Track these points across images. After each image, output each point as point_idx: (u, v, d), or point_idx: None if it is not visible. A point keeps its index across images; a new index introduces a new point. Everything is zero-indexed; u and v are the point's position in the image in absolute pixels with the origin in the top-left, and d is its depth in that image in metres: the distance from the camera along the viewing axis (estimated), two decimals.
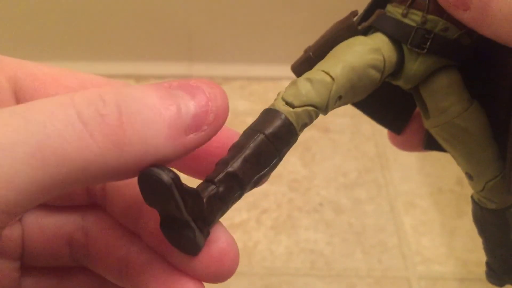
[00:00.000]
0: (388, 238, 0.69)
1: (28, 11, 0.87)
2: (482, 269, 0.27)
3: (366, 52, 0.19)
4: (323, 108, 0.19)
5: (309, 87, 0.18)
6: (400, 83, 0.21)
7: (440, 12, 0.19)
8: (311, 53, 0.21)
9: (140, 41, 0.91)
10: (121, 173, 0.14)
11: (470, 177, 0.23)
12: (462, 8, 0.17)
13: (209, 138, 0.16)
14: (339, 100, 0.19)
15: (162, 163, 0.15)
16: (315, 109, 0.18)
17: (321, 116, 0.19)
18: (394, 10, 0.20)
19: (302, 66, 0.21)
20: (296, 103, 0.18)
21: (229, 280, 0.18)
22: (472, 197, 0.25)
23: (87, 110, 0.14)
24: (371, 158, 0.78)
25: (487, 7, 0.16)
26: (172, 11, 0.88)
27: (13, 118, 0.13)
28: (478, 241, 0.26)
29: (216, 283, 0.17)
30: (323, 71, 0.19)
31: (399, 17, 0.20)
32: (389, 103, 0.23)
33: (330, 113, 0.20)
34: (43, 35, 0.89)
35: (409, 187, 0.75)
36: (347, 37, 0.20)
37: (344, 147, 0.80)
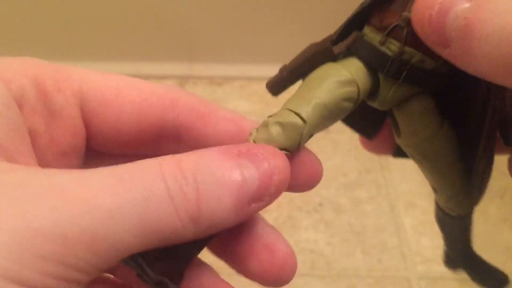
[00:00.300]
0: (388, 238, 0.69)
1: (28, 12, 0.87)
2: None
3: (339, 85, 0.19)
4: (295, 148, 0.19)
5: (279, 131, 0.18)
6: (375, 105, 0.21)
7: (418, 44, 0.18)
8: (286, 73, 0.21)
9: (140, 41, 0.91)
10: (189, 240, 0.16)
11: (435, 190, 0.25)
12: (442, 45, 0.17)
13: (269, 204, 0.17)
14: (311, 136, 0.20)
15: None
16: (286, 151, 0.18)
17: None
18: (371, 36, 0.20)
19: (276, 85, 0.22)
20: None
21: (229, 280, 0.19)
22: (436, 201, 0.26)
23: (173, 186, 0.15)
24: (371, 158, 0.78)
25: (468, 44, 0.16)
26: (172, 11, 0.88)
27: (120, 181, 0.15)
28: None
29: None
30: (294, 112, 0.19)
31: (376, 43, 0.19)
32: (362, 111, 0.22)
33: None
34: (43, 36, 0.89)
35: (409, 187, 0.75)
36: (322, 61, 0.20)
37: (344, 147, 0.80)
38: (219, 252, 0.20)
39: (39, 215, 0.13)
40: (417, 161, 0.23)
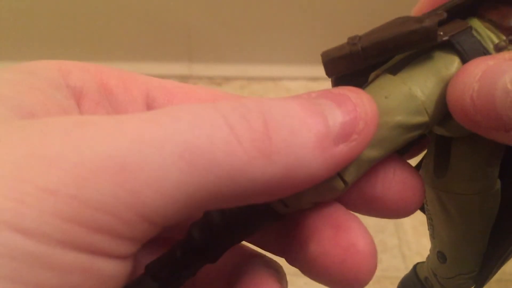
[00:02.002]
0: (388, 238, 0.69)
1: (27, 12, 0.87)
2: None
3: (404, 131, 0.15)
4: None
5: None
6: (441, 129, 0.16)
7: None
8: (360, 47, 0.15)
9: (140, 41, 0.91)
10: (267, 187, 0.13)
11: (443, 258, 0.20)
12: (502, 129, 0.13)
13: (361, 149, 0.14)
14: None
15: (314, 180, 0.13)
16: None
17: None
18: (485, 34, 0.15)
19: (341, 61, 0.16)
20: None
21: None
22: (415, 268, 0.22)
23: (233, 114, 0.12)
24: None
25: None
26: (172, 11, 0.88)
27: (159, 115, 0.12)
28: None
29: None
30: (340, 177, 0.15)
31: (489, 46, 0.15)
32: None
33: None
34: (44, 36, 0.89)
35: None
36: (419, 44, 0.15)
37: None
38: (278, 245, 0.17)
39: (51, 146, 0.11)
40: (445, 213, 0.18)
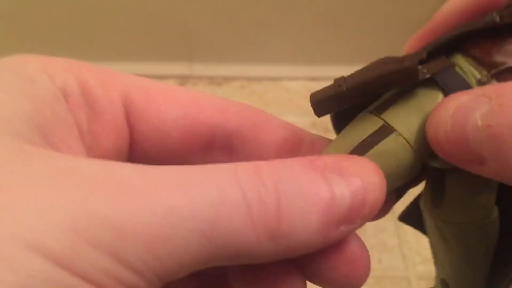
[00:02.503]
0: (388, 238, 0.69)
1: (27, 11, 0.87)
2: None
3: (396, 178, 0.15)
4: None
5: None
6: (433, 162, 0.16)
7: None
8: (345, 88, 0.16)
9: (140, 41, 0.91)
10: (264, 260, 0.14)
11: (446, 285, 0.20)
12: (476, 162, 0.14)
13: (356, 229, 0.15)
14: None
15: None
16: None
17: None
18: (468, 70, 0.15)
19: (327, 102, 0.16)
20: None
21: None
22: None
23: (251, 194, 0.13)
24: None
25: (504, 157, 0.13)
26: (172, 11, 0.88)
27: (189, 180, 0.13)
28: None
29: None
30: None
31: (472, 82, 0.15)
32: None
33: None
34: (44, 35, 0.89)
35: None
36: (400, 83, 0.15)
37: None
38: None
39: (95, 202, 0.12)
40: (443, 241, 0.19)
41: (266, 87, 0.91)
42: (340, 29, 0.84)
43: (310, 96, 0.17)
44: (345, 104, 0.16)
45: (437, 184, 0.17)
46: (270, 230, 0.13)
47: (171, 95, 0.18)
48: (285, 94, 0.89)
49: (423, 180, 0.18)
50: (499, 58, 0.15)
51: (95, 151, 0.17)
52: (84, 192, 0.12)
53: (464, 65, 0.15)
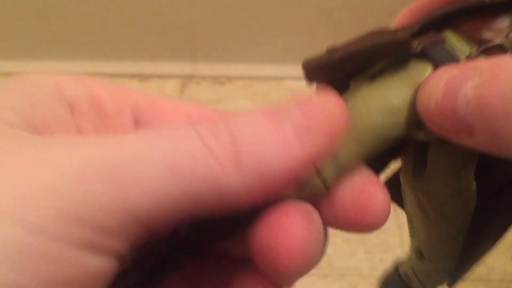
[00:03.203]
0: (390, 238, 0.69)
1: (31, 11, 0.88)
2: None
3: (383, 128, 0.16)
4: (323, 192, 0.16)
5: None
6: (419, 134, 0.16)
7: None
8: (337, 57, 0.16)
9: (143, 40, 0.91)
10: (245, 195, 0.14)
11: (420, 255, 0.21)
12: (466, 133, 0.14)
13: (328, 144, 0.14)
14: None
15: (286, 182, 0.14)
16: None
17: None
18: (458, 46, 0.16)
19: (317, 70, 0.17)
20: None
21: None
22: (397, 266, 0.23)
23: (206, 133, 0.14)
24: None
25: (494, 127, 0.13)
26: (175, 10, 0.88)
27: (146, 132, 0.14)
28: None
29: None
30: (319, 173, 0.15)
31: (461, 56, 0.15)
32: None
33: None
34: (47, 34, 0.90)
35: None
36: (393, 54, 0.16)
37: None
38: None
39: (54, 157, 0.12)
40: (423, 214, 0.19)
41: (269, 87, 0.91)
42: (343, 29, 0.84)
43: (303, 62, 0.17)
44: (337, 72, 0.17)
45: (420, 157, 0.18)
46: (232, 159, 0.13)
47: (178, 107, 0.19)
48: (288, 93, 0.89)
49: (402, 155, 0.19)
50: (487, 35, 0.15)
51: None
52: (47, 149, 0.13)
53: (454, 41, 0.16)
